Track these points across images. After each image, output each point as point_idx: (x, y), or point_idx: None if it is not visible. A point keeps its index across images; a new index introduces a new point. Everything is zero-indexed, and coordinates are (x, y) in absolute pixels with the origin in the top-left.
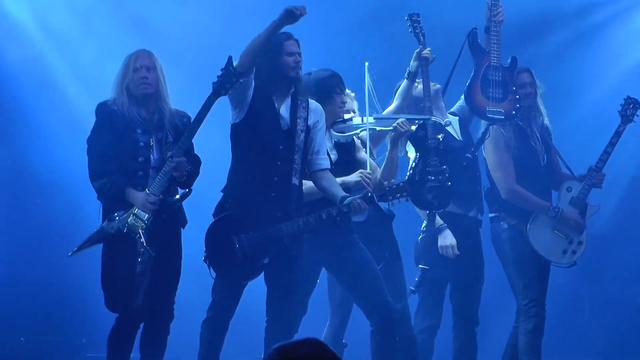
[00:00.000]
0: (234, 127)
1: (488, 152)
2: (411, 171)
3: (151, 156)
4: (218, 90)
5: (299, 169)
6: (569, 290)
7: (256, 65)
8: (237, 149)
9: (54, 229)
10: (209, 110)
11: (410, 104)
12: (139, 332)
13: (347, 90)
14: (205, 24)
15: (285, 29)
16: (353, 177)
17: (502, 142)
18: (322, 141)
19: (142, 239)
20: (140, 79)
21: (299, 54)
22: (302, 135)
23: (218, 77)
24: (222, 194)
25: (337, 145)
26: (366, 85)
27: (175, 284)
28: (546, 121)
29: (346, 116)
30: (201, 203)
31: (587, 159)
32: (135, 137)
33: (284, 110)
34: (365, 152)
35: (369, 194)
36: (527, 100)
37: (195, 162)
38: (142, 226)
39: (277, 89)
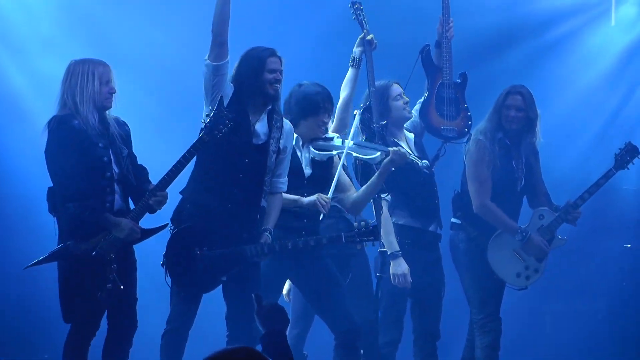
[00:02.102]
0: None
1: (469, 162)
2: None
3: (114, 170)
4: (211, 131)
5: (269, 191)
6: (530, 304)
7: (236, 76)
8: (202, 153)
9: (14, 242)
10: (198, 151)
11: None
12: (102, 344)
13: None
14: (163, 39)
15: (271, 44)
16: (310, 199)
17: (487, 157)
18: (287, 165)
19: (114, 265)
20: (109, 94)
21: (280, 72)
22: (274, 156)
23: (208, 116)
24: (180, 196)
25: (313, 162)
26: (352, 129)
27: (135, 292)
28: (537, 143)
29: (329, 135)
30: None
31: (548, 174)
32: (99, 153)
33: (259, 126)
34: (336, 177)
35: (338, 235)
36: (512, 124)
37: (145, 173)
38: (114, 252)
39: (254, 103)
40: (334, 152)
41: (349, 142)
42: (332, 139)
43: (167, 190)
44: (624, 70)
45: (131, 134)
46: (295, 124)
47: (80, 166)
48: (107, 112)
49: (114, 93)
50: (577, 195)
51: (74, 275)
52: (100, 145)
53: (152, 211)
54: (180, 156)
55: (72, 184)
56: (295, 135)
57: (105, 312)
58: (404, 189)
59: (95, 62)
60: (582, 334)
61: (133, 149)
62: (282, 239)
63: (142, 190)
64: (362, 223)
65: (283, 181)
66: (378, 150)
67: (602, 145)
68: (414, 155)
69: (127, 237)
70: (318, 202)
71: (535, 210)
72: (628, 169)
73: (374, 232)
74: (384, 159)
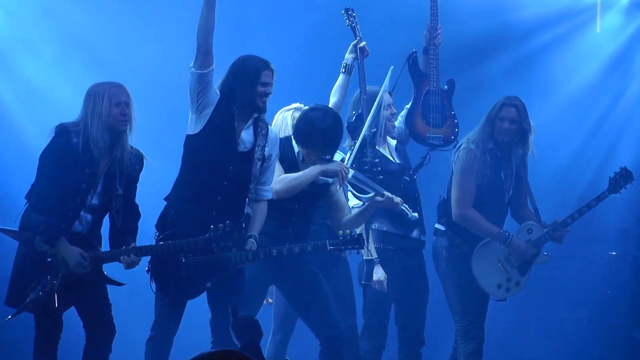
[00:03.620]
0: (188, 137)
1: (457, 169)
2: (349, 160)
3: (88, 199)
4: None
5: (253, 198)
6: (515, 310)
7: (227, 84)
8: (187, 160)
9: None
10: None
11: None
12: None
13: (300, 105)
14: (149, 47)
15: (263, 49)
16: (333, 166)
17: (476, 167)
18: (272, 172)
19: (55, 282)
20: (122, 115)
21: (271, 85)
22: (259, 164)
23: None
24: (164, 202)
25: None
26: (380, 94)
27: (106, 298)
28: (529, 155)
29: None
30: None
31: (534, 179)
32: (80, 178)
33: (245, 134)
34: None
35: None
36: (505, 136)
37: (135, 218)
38: (63, 273)
39: (241, 112)
40: (334, 179)
41: (351, 171)
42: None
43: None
44: (610, 77)
45: (140, 173)
46: (304, 146)
47: (58, 182)
48: (126, 140)
49: (126, 114)
50: (563, 204)
51: (24, 265)
52: (87, 171)
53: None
54: (171, 243)
55: (43, 195)
56: (297, 150)
57: (83, 320)
58: None
59: (110, 84)
60: (566, 340)
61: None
62: (266, 246)
63: (123, 238)
64: (347, 231)
65: (268, 189)
66: (373, 191)
67: (588, 152)
68: (396, 162)
69: (74, 267)
70: (341, 173)
71: (525, 224)
72: (620, 193)
73: (358, 241)
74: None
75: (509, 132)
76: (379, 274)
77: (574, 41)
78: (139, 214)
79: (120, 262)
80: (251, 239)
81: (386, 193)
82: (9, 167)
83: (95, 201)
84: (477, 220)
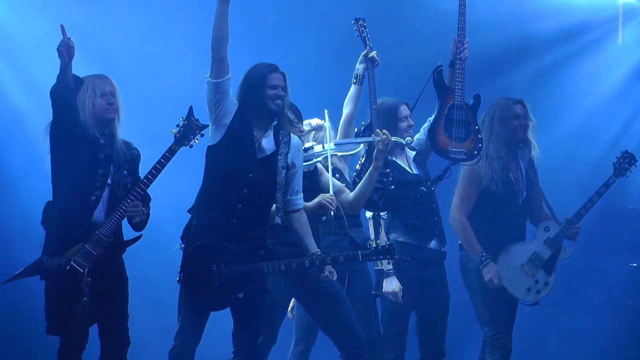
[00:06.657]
0: (209, 148)
1: (461, 176)
2: (357, 171)
3: (107, 186)
4: (181, 140)
5: (282, 207)
6: (535, 321)
7: (240, 93)
8: (208, 170)
9: (12, 249)
10: (169, 161)
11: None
12: None
13: (320, 122)
14: (167, 57)
15: (275, 60)
16: (314, 202)
17: (478, 176)
18: (300, 180)
19: (89, 279)
20: (108, 105)
21: (283, 88)
22: (284, 172)
23: (179, 126)
24: (188, 215)
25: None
26: (327, 131)
27: (126, 309)
28: (534, 154)
29: (307, 145)
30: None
31: (559, 186)
32: (96, 161)
33: (266, 142)
34: (330, 175)
35: (353, 254)
36: (519, 133)
37: (146, 202)
38: (89, 265)
39: (258, 119)
40: (320, 159)
41: (330, 145)
42: (311, 147)
43: (140, 202)
44: (631, 88)
45: (139, 160)
46: None
47: (75, 165)
48: (116, 129)
49: (112, 104)
50: (586, 214)
51: (52, 290)
52: (101, 155)
53: (135, 228)
54: (152, 168)
55: (62, 180)
56: None
57: (99, 329)
58: (399, 207)
59: (94, 76)
60: (586, 352)
61: (139, 175)
62: (287, 254)
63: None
64: (378, 242)
65: (300, 197)
66: (360, 143)
67: (610, 162)
68: (412, 171)
69: (94, 248)
70: (324, 202)
71: (541, 223)
72: (626, 176)
73: (389, 251)
74: (368, 149)
75: (524, 127)
76: (393, 285)
77: (595, 52)
78: (149, 197)
79: (132, 221)
80: (317, 257)
81: (373, 137)
82: (16, 165)
83: (108, 189)
84: (465, 230)
